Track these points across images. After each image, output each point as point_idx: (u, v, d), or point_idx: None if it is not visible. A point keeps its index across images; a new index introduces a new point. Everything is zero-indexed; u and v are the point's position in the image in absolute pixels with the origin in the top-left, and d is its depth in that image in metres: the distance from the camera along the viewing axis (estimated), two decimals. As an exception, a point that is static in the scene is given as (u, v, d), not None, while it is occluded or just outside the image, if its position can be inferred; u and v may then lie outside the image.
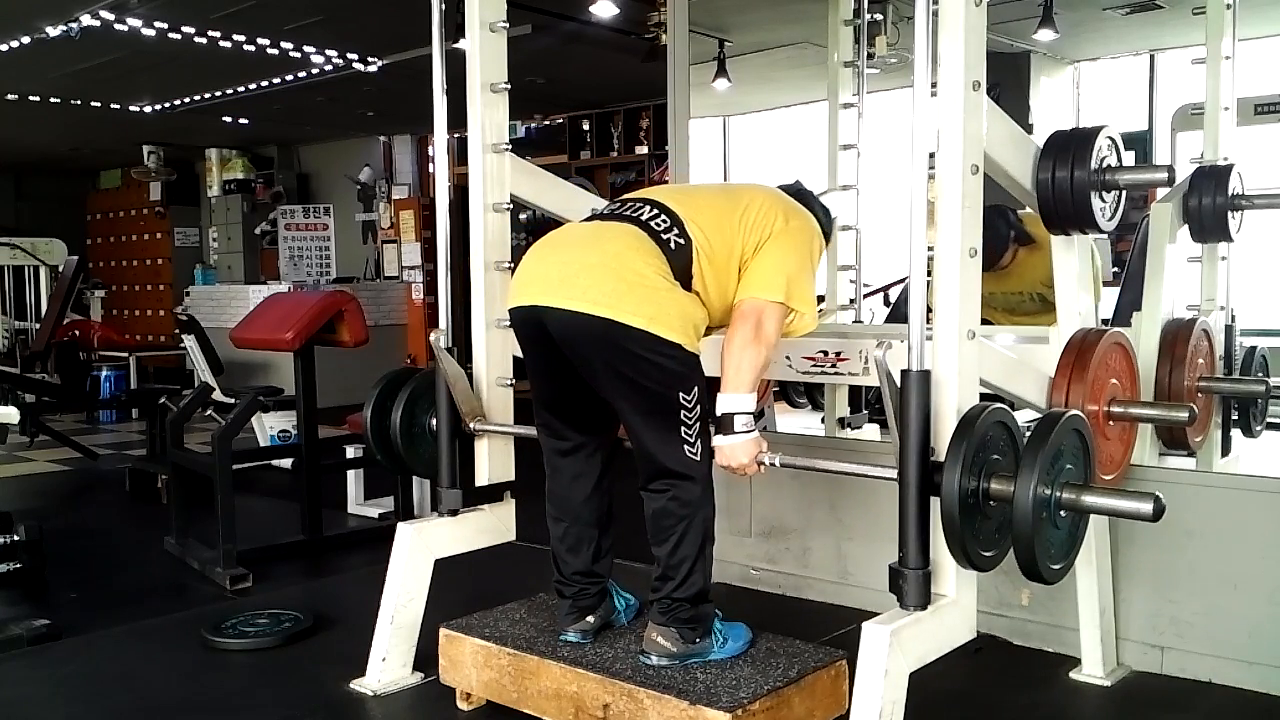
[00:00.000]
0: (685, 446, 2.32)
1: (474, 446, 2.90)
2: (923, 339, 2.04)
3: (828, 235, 2.59)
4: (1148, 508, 1.98)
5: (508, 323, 2.83)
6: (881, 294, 4.55)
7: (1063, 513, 2.05)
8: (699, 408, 2.32)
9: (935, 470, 2.02)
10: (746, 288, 2.36)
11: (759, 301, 2.33)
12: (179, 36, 6.20)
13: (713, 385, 2.36)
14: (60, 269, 8.41)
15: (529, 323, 2.40)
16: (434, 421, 2.87)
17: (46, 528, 3.98)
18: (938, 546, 2.13)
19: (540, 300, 2.35)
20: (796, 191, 2.59)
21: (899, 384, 2.03)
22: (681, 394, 2.29)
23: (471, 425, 2.82)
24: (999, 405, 2.11)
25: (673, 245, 2.35)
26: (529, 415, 2.96)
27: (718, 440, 2.31)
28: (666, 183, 3.83)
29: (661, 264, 2.31)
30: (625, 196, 2.48)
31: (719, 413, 2.30)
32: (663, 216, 2.38)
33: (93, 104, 8.46)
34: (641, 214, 2.40)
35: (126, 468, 5.68)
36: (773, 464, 2.31)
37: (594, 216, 2.49)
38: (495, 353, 2.90)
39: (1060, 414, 2.08)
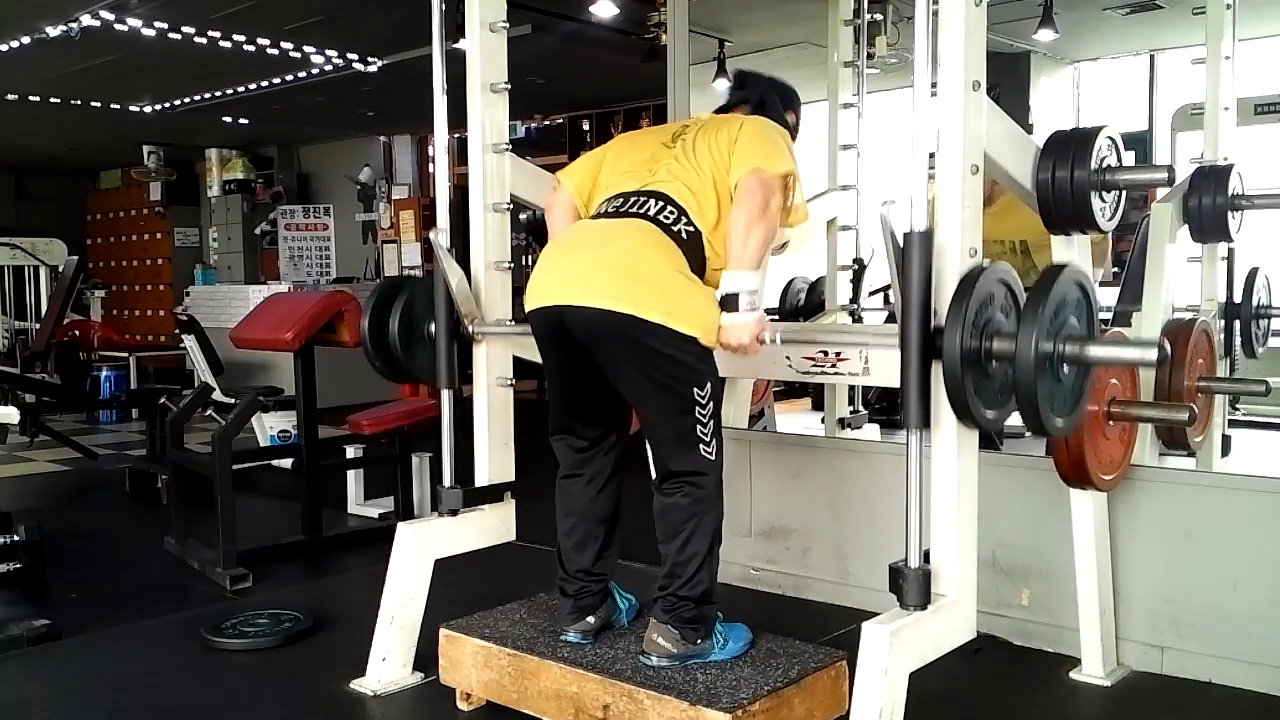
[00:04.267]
0: (701, 445, 2.34)
1: (472, 351, 2.88)
2: (925, 198, 2.02)
3: (795, 127, 2.67)
4: (1151, 354, 1.97)
5: (509, 324, 2.83)
6: (882, 294, 4.55)
7: (1066, 367, 2.04)
8: (712, 404, 2.34)
9: (937, 335, 2.00)
10: (740, 166, 2.37)
11: (758, 175, 2.33)
12: (179, 36, 6.20)
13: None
14: (60, 269, 8.41)
15: (550, 323, 2.41)
16: (432, 326, 2.86)
17: (46, 528, 3.98)
18: (938, 546, 2.13)
19: (561, 300, 2.36)
20: (747, 90, 2.69)
21: (901, 245, 2.00)
22: (696, 390, 2.31)
23: (470, 328, 2.82)
24: (1002, 264, 2.09)
25: (684, 235, 2.37)
26: (531, 420, 2.98)
27: (723, 318, 2.31)
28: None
29: (677, 257, 2.34)
30: (625, 190, 2.48)
31: (723, 291, 2.31)
32: (669, 208, 2.39)
33: (93, 104, 8.47)
34: (649, 209, 2.40)
35: (126, 468, 5.69)
36: (773, 340, 2.32)
37: (601, 214, 2.49)
38: (496, 356, 2.90)
39: (1061, 266, 2.06)
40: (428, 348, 2.90)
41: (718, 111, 2.74)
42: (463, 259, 2.87)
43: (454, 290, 2.77)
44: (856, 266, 4.07)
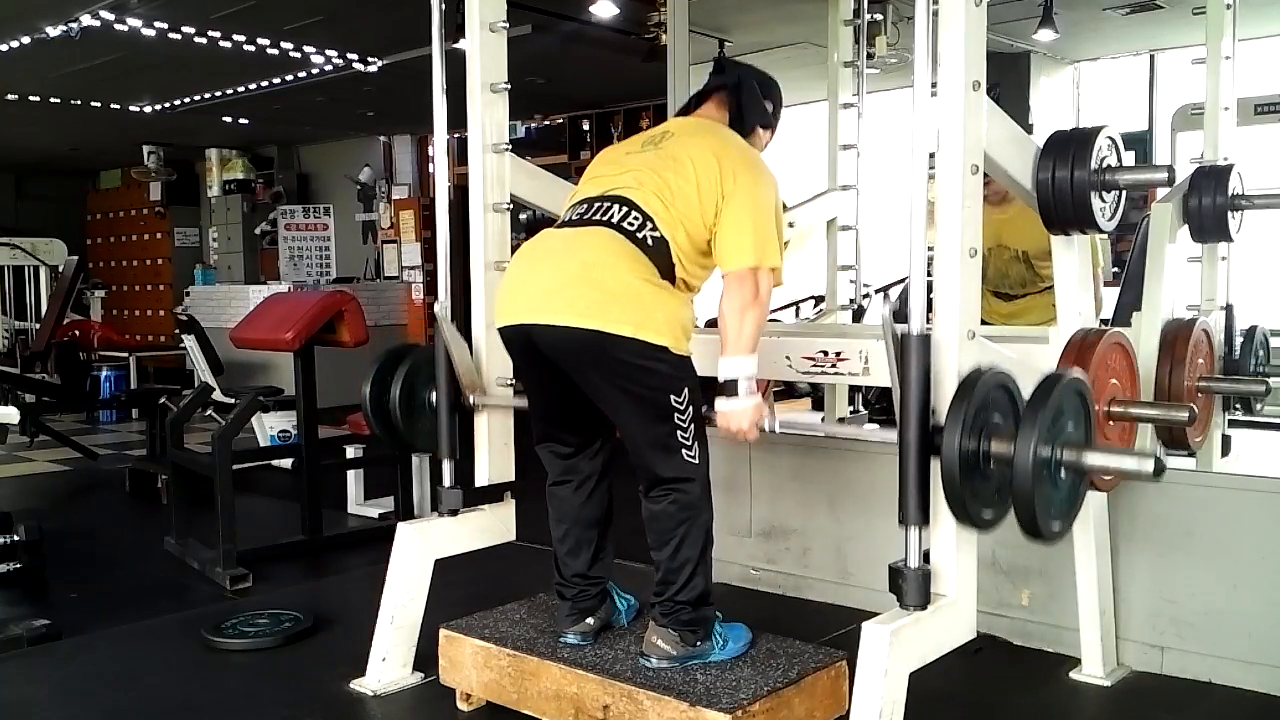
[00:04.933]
0: (683, 450, 2.33)
1: (474, 421, 2.88)
2: (924, 300, 2.03)
3: (774, 121, 2.62)
4: (1149, 467, 1.99)
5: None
6: (882, 294, 4.56)
7: (1063, 473, 2.04)
8: (691, 408, 2.32)
9: (936, 433, 2.01)
10: (726, 259, 2.33)
11: (753, 272, 2.30)
12: (179, 36, 6.20)
13: (707, 386, 2.36)
14: (60, 269, 8.42)
15: (518, 341, 2.41)
16: (434, 396, 2.86)
17: (46, 528, 3.98)
18: (938, 546, 2.13)
19: (526, 318, 2.34)
20: (725, 75, 2.60)
21: (899, 347, 2.02)
22: (673, 397, 2.29)
23: (471, 399, 2.82)
24: (1000, 369, 2.11)
25: (649, 242, 2.32)
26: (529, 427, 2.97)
27: (720, 404, 2.30)
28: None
29: (643, 266, 2.29)
30: (588, 195, 2.43)
31: (721, 377, 2.30)
32: (633, 214, 2.34)
33: (93, 104, 8.46)
34: (612, 216, 2.35)
35: (126, 468, 5.69)
36: (773, 430, 2.32)
37: (565, 223, 2.44)
38: (495, 350, 2.90)
39: (1061, 375, 2.07)
40: (428, 417, 2.90)
41: (693, 99, 2.66)
42: (463, 259, 2.87)
43: (456, 361, 2.78)
44: (856, 309, 4.07)
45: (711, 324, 2.50)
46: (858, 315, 4.11)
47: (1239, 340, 3.31)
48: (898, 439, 2.04)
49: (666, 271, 2.33)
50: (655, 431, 2.32)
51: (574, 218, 2.42)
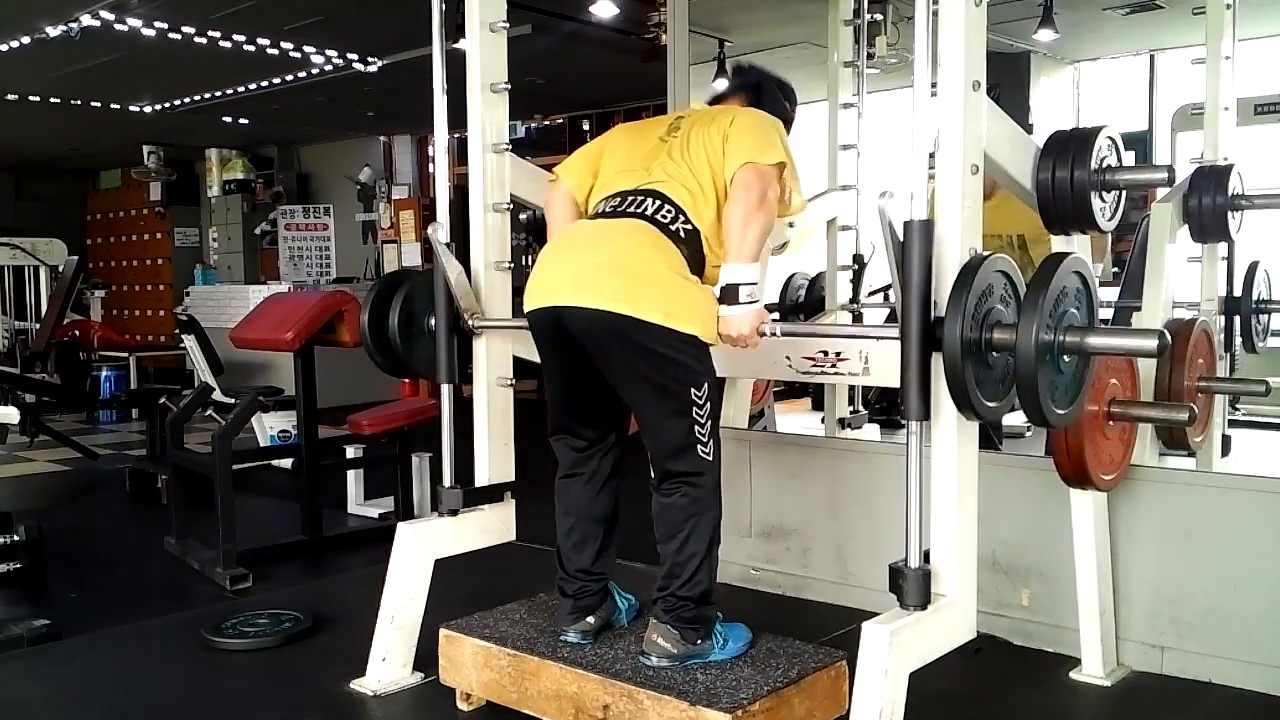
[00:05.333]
0: (699, 445, 2.35)
1: (472, 345, 2.88)
2: (925, 188, 2.02)
3: (791, 119, 2.67)
4: (1151, 344, 1.98)
5: (508, 323, 2.83)
6: (882, 294, 4.56)
7: (1066, 357, 2.04)
8: (710, 404, 2.35)
9: (937, 325, 2.00)
10: (733, 160, 2.37)
11: (753, 167, 2.33)
12: (179, 36, 6.20)
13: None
14: (60, 269, 8.41)
15: (549, 324, 2.42)
16: (432, 320, 2.86)
17: (46, 528, 3.98)
18: (938, 546, 2.13)
19: (559, 301, 2.37)
20: (745, 78, 2.72)
21: (900, 235, 2.00)
22: (694, 390, 2.32)
23: (470, 322, 2.82)
24: (1002, 255, 2.10)
25: (681, 234, 2.38)
26: (531, 420, 2.97)
27: (722, 310, 2.31)
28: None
29: (675, 257, 2.34)
30: (623, 189, 2.48)
31: (723, 283, 2.32)
32: (666, 207, 2.40)
33: (93, 104, 8.46)
34: (646, 208, 2.41)
35: (126, 468, 5.68)
36: (773, 334, 2.33)
37: (599, 214, 2.49)
38: (496, 352, 2.90)
39: (1062, 256, 2.06)
40: (428, 342, 2.90)
41: (714, 100, 2.75)
42: (463, 258, 2.87)
43: (453, 285, 2.77)
44: (856, 266, 4.07)
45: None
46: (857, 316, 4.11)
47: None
48: (899, 334, 2.01)
49: (698, 264, 2.39)
50: (674, 424, 2.34)
51: (608, 209, 2.47)
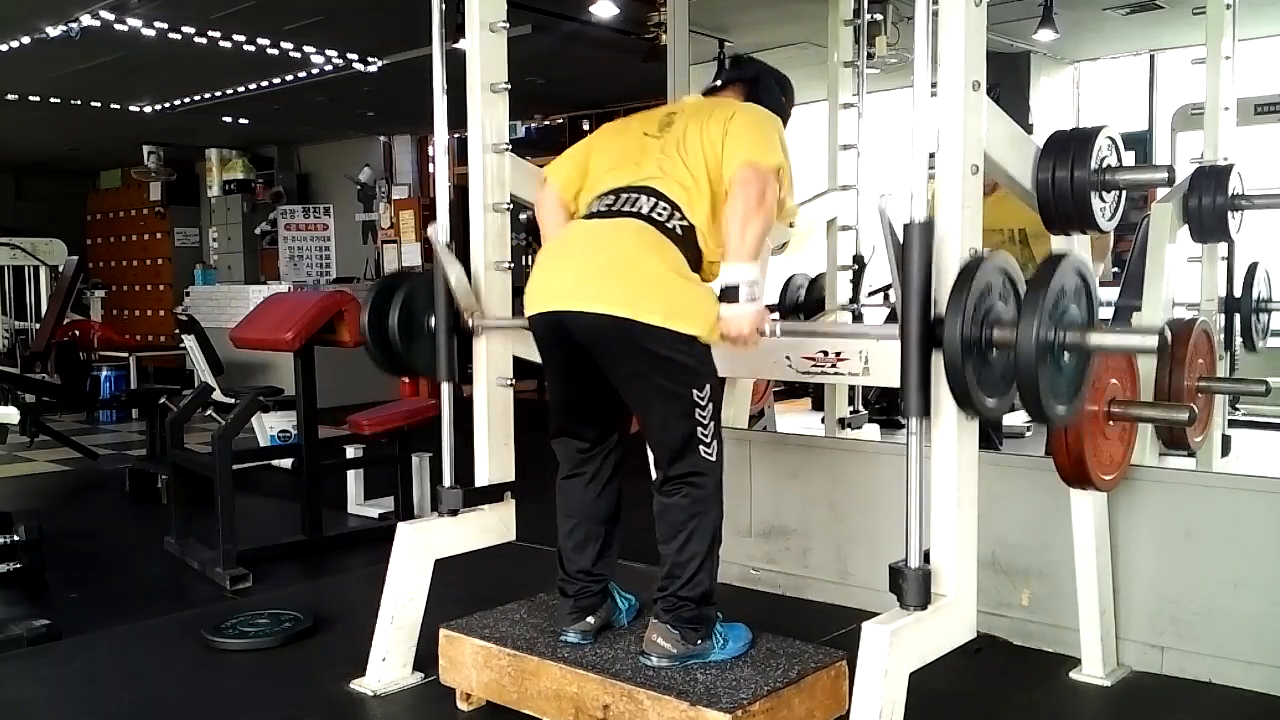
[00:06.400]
0: (701, 447, 2.35)
1: (472, 345, 2.88)
2: (925, 188, 2.02)
3: (788, 115, 2.67)
4: (1151, 342, 1.99)
5: (508, 323, 2.83)
6: (882, 294, 4.56)
7: (1066, 355, 2.04)
8: (712, 405, 2.35)
9: (937, 325, 2.00)
10: (733, 158, 2.36)
11: (753, 167, 2.32)
12: (179, 36, 6.21)
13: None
14: (60, 269, 8.41)
15: (551, 328, 2.42)
16: (432, 320, 2.86)
17: (46, 528, 3.98)
18: (938, 546, 2.13)
19: (560, 305, 2.37)
20: (742, 69, 2.72)
21: (900, 236, 2.00)
22: (696, 392, 2.32)
23: (470, 321, 2.82)
24: (1001, 253, 2.10)
25: (678, 231, 2.37)
26: (531, 420, 2.97)
27: (723, 309, 2.30)
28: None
29: (673, 256, 2.34)
30: (616, 187, 2.46)
31: (723, 282, 2.31)
32: (661, 204, 2.39)
33: (93, 104, 8.47)
34: (641, 206, 2.39)
35: (126, 468, 5.68)
36: (773, 334, 2.33)
37: (594, 214, 2.48)
38: (496, 351, 2.90)
39: (1061, 255, 2.06)
40: (428, 341, 2.90)
41: (709, 91, 2.73)
42: (463, 258, 2.87)
43: (453, 285, 2.77)
44: (856, 266, 4.07)
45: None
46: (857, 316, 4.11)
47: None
48: (899, 333, 2.01)
49: (695, 261, 2.38)
50: (677, 425, 2.34)
51: (602, 209, 2.46)
